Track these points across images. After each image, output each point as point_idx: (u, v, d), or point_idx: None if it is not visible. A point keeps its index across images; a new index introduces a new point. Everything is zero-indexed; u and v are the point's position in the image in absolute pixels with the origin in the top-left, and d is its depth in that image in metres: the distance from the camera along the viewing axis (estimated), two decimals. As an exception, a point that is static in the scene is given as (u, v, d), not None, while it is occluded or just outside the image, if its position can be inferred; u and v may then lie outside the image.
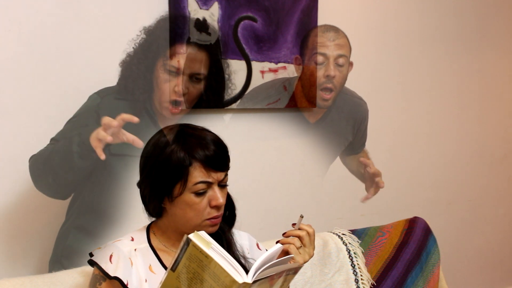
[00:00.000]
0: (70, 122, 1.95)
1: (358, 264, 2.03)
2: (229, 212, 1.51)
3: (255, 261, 1.51)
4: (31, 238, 2.00)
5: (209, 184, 1.38)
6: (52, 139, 1.92)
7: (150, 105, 2.07)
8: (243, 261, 1.48)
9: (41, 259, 2.02)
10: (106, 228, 2.05)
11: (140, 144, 1.77)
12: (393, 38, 2.75)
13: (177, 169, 1.36)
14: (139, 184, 1.45)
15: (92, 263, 1.40)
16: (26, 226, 1.99)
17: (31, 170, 1.90)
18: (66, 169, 1.88)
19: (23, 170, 1.91)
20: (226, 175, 1.42)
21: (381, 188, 2.64)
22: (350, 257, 2.03)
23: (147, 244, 1.43)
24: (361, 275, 2.02)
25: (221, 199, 1.38)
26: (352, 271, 2.01)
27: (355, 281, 2.00)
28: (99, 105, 1.97)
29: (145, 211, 1.46)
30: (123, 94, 2.02)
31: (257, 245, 1.59)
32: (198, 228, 1.38)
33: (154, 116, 2.08)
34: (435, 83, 2.93)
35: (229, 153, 1.44)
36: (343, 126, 2.60)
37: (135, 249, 1.41)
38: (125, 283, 1.34)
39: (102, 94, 1.99)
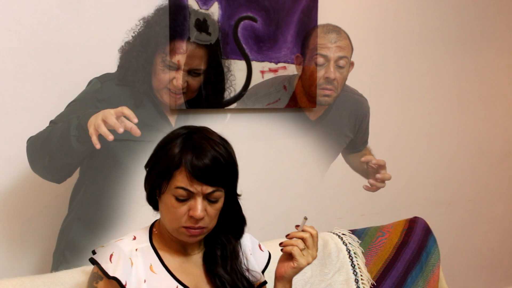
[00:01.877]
0: (70, 105, 1.95)
1: (358, 264, 2.03)
2: (237, 225, 1.49)
3: (258, 272, 1.51)
4: (32, 236, 2.00)
5: (191, 193, 1.34)
6: (51, 122, 1.92)
7: (152, 93, 2.07)
8: (246, 273, 1.48)
9: (43, 255, 2.02)
10: (110, 218, 2.04)
11: (137, 132, 1.75)
12: (393, 37, 2.75)
13: (166, 166, 1.35)
14: (145, 167, 1.44)
15: (92, 261, 1.40)
16: (26, 224, 1.99)
17: (28, 151, 1.89)
18: (63, 151, 1.86)
19: (23, 166, 1.91)
20: (217, 190, 1.36)
21: (387, 180, 2.61)
22: (350, 257, 2.03)
23: (149, 244, 1.42)
24: (361, 275, 2.02)
25: (198, 211, 1.33)
26: (352, 271, 2.01)
27: (355, 281, 2.00)
28: (99, 90, 1.97)
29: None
30: (123, 81, 2.02)
31: (259, 246, 1.58)
32: (175, 233, 1.38)
33: (157, 103, 2.09)
34: (435, 83, 2.93)
35: (231, 172, 1.39)
36: (344, 123, 2.60)
37: (136, 249, 1.40)
38: (124, 284, 1.34)
39: (103, 80, 2.00)
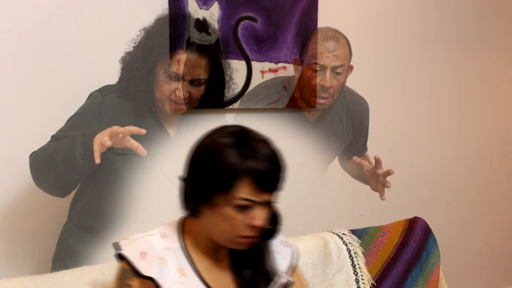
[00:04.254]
0: (71, 119, 1.94)
1: (358, 264, 2.03)
2: (272, 226, 1.39)
3: (284, 273, 1.42)
4: (32, 236, 2.00)
5: (254, 203, 1.27)
6: (53, 136, 1.92)
7: (152, 104, 2.07)
8: (273, 274, 1.40)
9: (42, 257, 2.02)
10: (109, 228, 2.04)
11: (143, 152, 1.75)
12: (393, 38, 2.75)
13: (223, 179, 1.25)
14: (183, 181, 1.34)
15: (121, 257, 1.30)
16: (26, 225, 1.99)
17: (31, 167, 1.90)
18: (68, 169, 1.87)
19: (23, 169, 1.91)
20: (277, 194, 1.31)
21: (391, 174, 2.55)
22: (351, 257, 2.03)
23: (179, 244, 1.35)
24: (362, 275, 2.02)
25: (261, 221, 1.27)
26: (352, 271, 2.01)
27: (355, 281, 2.00)
28: (101, 104, 1.96)
29: (182, 207, 1.36)
30: (125, 93, 2.02)
31: (284, 242, 1.49)
32: (229, 242, 1.31)
33: (157, 115, 2.08)
34: (435, 84, 2.93)
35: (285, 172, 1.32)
36: (343, 124, 2.59)
37: (167, 248, 1.32)
38: (160, 284, 1.27)
39: (104, 93, 1.99)
